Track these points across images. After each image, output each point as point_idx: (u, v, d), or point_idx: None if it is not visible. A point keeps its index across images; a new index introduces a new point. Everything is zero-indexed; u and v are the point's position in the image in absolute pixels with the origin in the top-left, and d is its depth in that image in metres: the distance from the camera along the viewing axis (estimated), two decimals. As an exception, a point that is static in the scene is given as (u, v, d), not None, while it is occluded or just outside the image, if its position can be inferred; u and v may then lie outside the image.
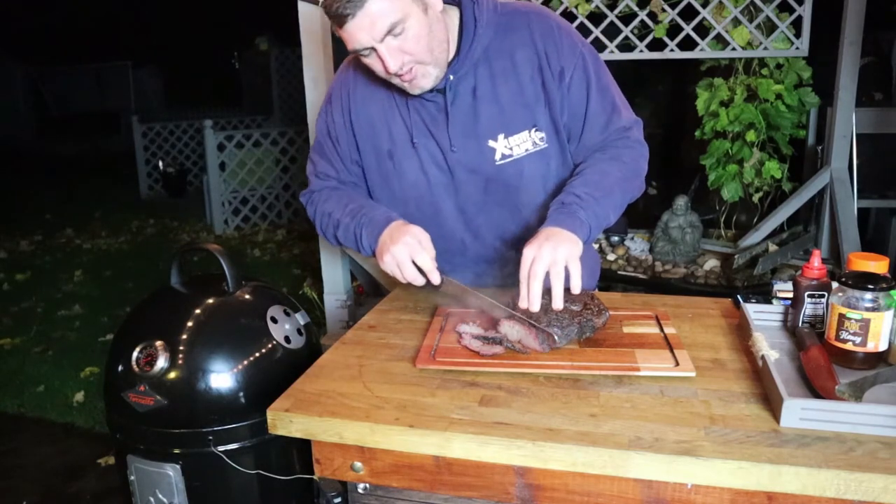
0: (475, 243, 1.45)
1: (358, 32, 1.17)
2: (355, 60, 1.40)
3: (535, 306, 1.13)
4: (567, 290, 1.15)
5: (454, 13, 1.32)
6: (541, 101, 1.34)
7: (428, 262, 1.24)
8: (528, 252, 1.16)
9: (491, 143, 1.35)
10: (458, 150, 1.36)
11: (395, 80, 1.26)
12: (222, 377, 1.38)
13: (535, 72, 1.32)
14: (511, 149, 1.35)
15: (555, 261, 1.13)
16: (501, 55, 1.33)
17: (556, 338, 1.12)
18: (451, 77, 1.30)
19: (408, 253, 1.24)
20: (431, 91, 1.31)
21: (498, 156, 1.36)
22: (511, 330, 1.16)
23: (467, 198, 1.41)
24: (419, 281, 1.26)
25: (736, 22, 2.93)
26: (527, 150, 1.36)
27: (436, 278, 1.24)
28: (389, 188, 1.44)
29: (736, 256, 3.20)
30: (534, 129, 1.35)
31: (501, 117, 1.34)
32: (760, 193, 3.37)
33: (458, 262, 1.47)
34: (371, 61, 1.23)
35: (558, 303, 1.14)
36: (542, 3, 3.06)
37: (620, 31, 3.03)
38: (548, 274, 1.13)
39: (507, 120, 1.34)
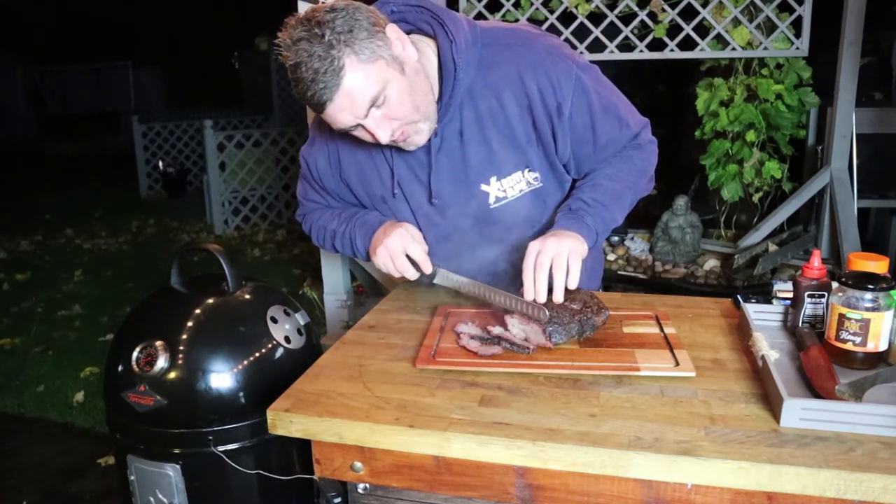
0: (468, 274, 1.40)
1: (339, 114, 1.10)
2: None
3: (542, 297, 1.14)
4: (566, 289, 1.16)
5: (429, 49, 1.23)
6: (532, 141, 1.28)
7: (420, 252, 1.26)
8: (534, 245, 1.16)
9: (483, 186, 1.30)
10: (440, 200, 1.32)
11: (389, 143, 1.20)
12: (222, 377, 1.38)
13: (525, 112, 1.25)
14: (505, 191, 1.31)
15: (559, 253, 1.14)
16: (486, 94, 1.24)
17: (548, 330, 1.12)
18: (436, 125, 1.24)
19: (400, 244, 1.25)
20: None
21: (492, 199, 1.32)
22: (517, 328, 1.17)
23: (461, 240, 1.37)
24: (411, 272, 1.26)
25: (736, 22, 2.93)
26: (521, 190, 1.32)
27: (427, 267, 1.26)
28: None
29: (736, 256, 3.20)
30: (527, 170, 1.30)
31: (491, 160, 1.28)
32: (760, 193, 3.38)
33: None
34: (360, 134, 1.17)
35: (559, 295, 1.15)
36: (542, 4, 3.06)
37: (620, 31, 3.03)
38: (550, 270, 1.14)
39: (498, 162, 1.29)
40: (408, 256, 1.26)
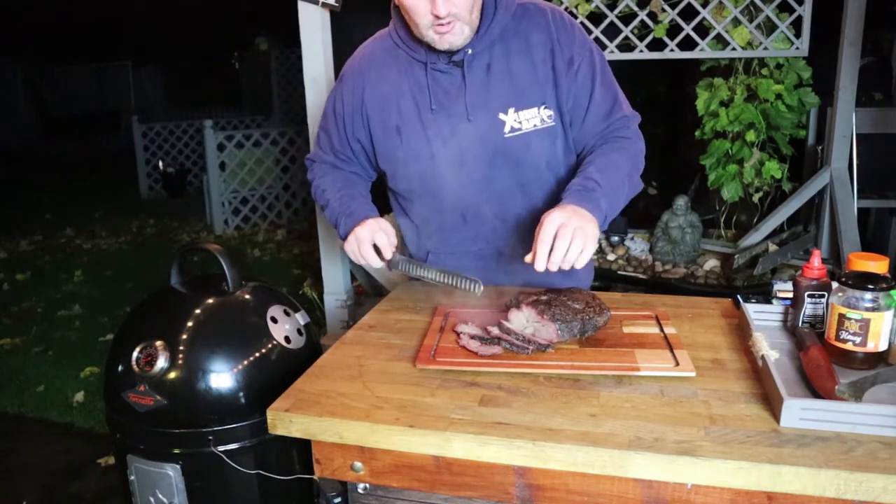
0: (475, 220, 1.48)
1: None
2: (369, 46, 1.47)
3: (555, 266, 1.15)
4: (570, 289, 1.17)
5: None
6: (550, 82, 1.39)
7: (384, 239, 1.36)
8: (557, 215, 1.17)
9: (501, 115, 1.39)
10: (474, 119, 1.39)
11: (428, 33, 1.30)
12: (222, 377, 1.38)
13: (548, 54, 1.39)
14: (520, 123, 1.40)
15: (581, 227, 1.16)
16: (517, 36, 1.39)
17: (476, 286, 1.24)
18: (469, 51, 1.36)
19: (369, 233, 1.36)
20: (448, 63, 1.37)
21: (507, 128, 1.40)
22: (520, 321, 1.17)
23: (472, 172, 1.43)
24: (374, 259, 1.37)
25: (736, 22, 2.93)
26: (535, 125, 1.40)
27: (388, 253, 1.37)
28: (394, 162, 1.48)
29: (736, 256, 3.20)
30: (543, 107, 1.40)
31: (513, 91, 1.39)
32: (760, 193, 3.38)
33: (457, 239, 1.51)
34: (416, 1, 1.26)
35: (571, 261, 1.16)
36: (542, 3, 3.06)
37: (620, 31, 3.03)
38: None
39: (519, 94, 1.39)
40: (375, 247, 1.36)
